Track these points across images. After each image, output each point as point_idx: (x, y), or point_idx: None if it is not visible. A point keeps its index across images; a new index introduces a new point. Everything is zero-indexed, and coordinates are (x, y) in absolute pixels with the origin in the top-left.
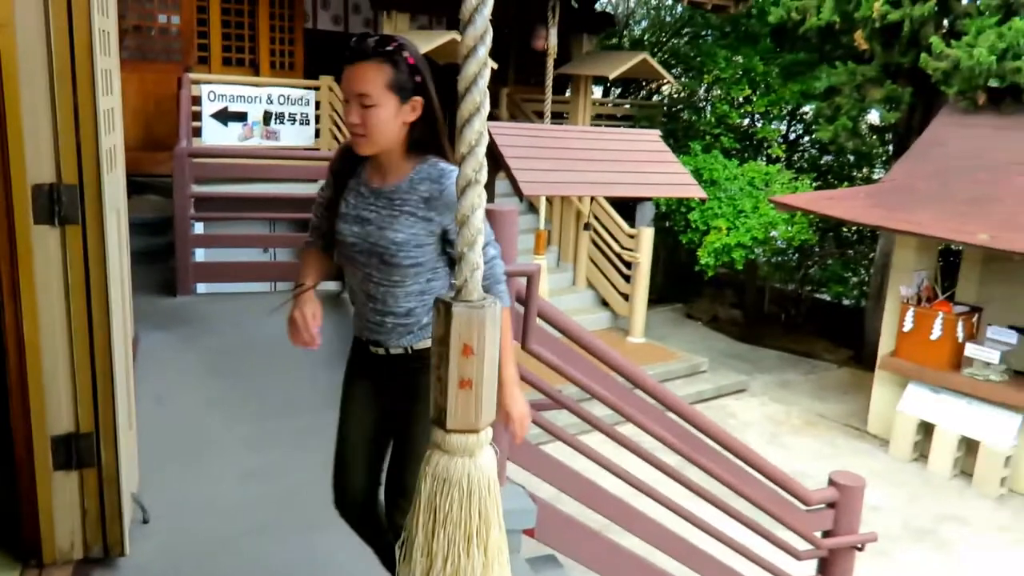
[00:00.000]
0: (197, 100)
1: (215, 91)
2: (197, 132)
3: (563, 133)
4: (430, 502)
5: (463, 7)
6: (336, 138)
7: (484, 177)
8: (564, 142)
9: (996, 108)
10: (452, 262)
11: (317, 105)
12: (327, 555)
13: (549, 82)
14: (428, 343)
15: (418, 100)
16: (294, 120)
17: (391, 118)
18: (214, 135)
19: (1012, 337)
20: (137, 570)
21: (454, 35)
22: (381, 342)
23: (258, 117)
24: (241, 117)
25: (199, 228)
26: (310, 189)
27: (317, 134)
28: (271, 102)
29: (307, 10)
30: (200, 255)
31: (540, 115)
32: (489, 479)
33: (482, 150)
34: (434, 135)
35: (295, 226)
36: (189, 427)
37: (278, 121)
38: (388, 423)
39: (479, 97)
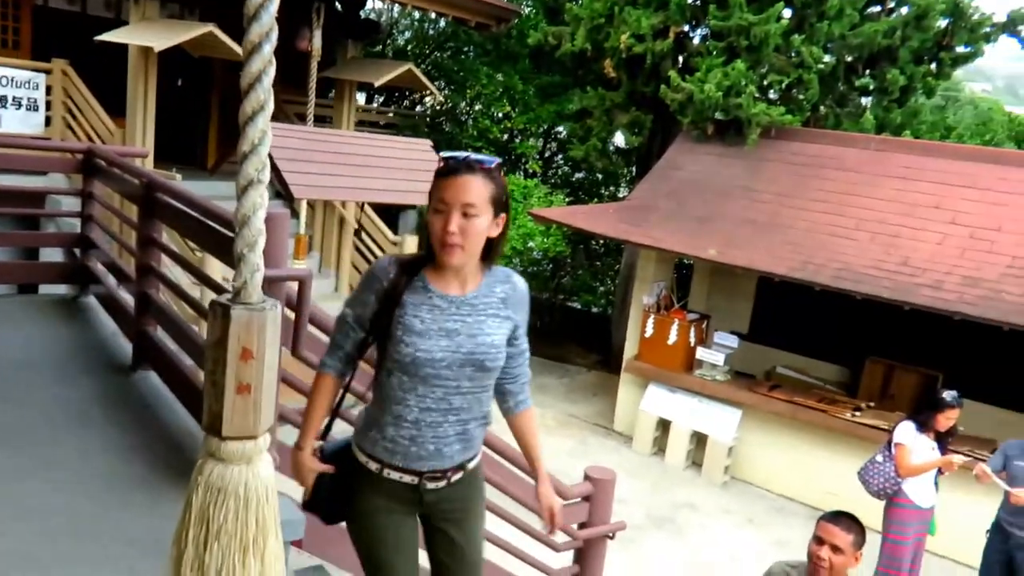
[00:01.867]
0: None
1: None
2: None
3: (334, 137)
4: (203, 513)
5: (248, 2)
6: (71, 127)
7: (267, 177)
8: (335, 147)
9: (722, 138)
10: (516, 358)
11: (48, 90)
12: None
13: (313, 84)
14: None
15: (503, 217)
16: (19, 105)
17: (485, 230)
18: None
19: (734, 341)
20: None
21: (211, 27)
22: (444, 468)
23: None
24: None
25: None
26: (38, 182)
27: (48, 122)
28: None
29: None
30: None
31: (302, 118)
32: (267, 487)
33: (265, 149)
34: (497, 247)
35: (17, 222)
36: None
37: (0, 105)
38: (442, 553)
39: (263, 95)
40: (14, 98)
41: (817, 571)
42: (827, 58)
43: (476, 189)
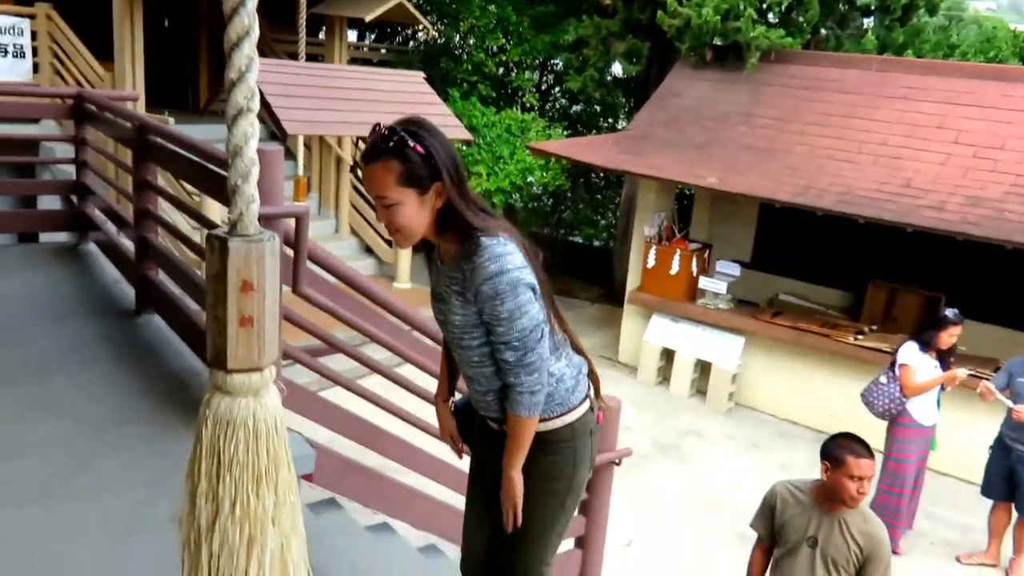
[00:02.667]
0: None
1: None
2: None
3: (326, 72)
4: (213, 446)
5: None
6: (59, 73)
7: (256, 106)
8: (327, 81)
9: (721, 64)
10: (497, 354)
11: (34, 36)
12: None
13: (302, 21)
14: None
15: (439, 186)
16: (5, 52)
17: (415, 212)
18: None
19: (736, 270)
20: None
21: None
22: (493, 418)
23: None
24: None
25: None
26: (28, 129)
27: (36, 68)
28: None
29: None
30: None
31: (294, 56)
32: (276, 418)
33: (253, 76)
34: (459, 217)
35: (12, 171)
36: None
37: None
38: (495, 497)
39: (247, 20)
40: (0, 45)
41: (858, 503)
42: None
43: (379, 177)
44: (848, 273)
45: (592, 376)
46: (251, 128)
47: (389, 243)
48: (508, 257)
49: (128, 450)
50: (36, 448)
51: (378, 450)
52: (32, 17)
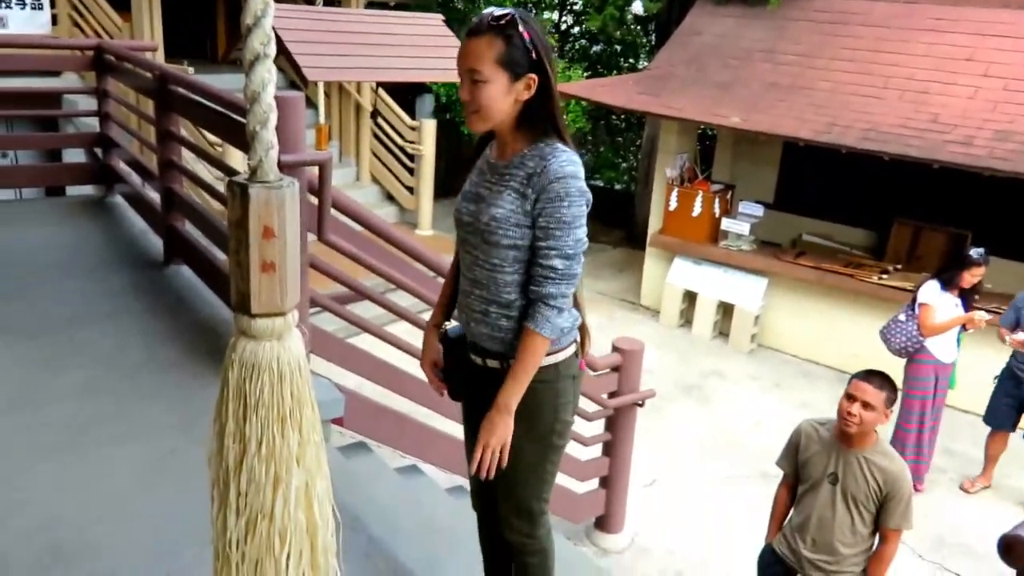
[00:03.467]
0: None
1: None
2: None
3: (345, 17)
4: (239, 388)
5: None
6: (77, 24)
7: (272, 51)
8: (346, 26)
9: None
10: (532, 260)
11: None
12: (98, 476)
13: None
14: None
15: (533, 78)
16: (24, 4)
17: (501, 95)
18: None
19: (759, 210)
20: None
21: None
22: (480, 344)
23: None
24: None
25: None
26: (49, 82)
27: (54, 21)
28: None
29: None
30: None
31: (310, 1)
32: (299, 360)
33: (269, 22)
34: (548, 115)
35: (35, 125)
36: None
37: (4, 5)
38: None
39: None
40: None
41: (848, 426)
42: None
43: (478, 52)
44: (873, 212)
45: (582, 330)
46: (268, 74)
47: (410, 190)
48: (580, 167)
49: (159, 396)
50: (69, 395)
51: (405, 394)
52: None
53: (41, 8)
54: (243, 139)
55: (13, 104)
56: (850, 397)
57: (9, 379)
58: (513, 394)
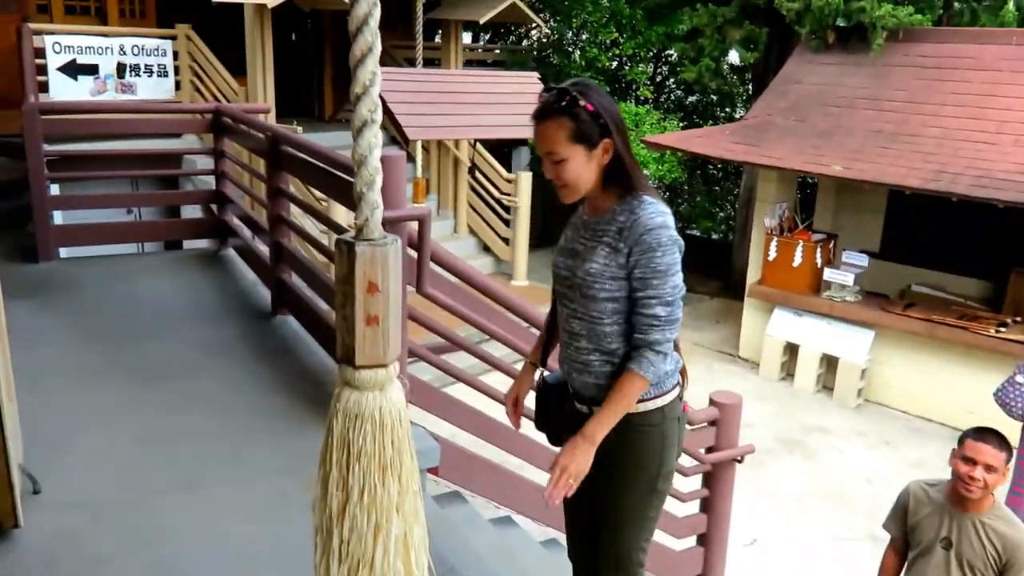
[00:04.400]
0: (41, 53)
1: (60, 42)
2: (43, 87)
3: (444, 77)
4: (343, 438)
5: None
6: (198, 90)
7: (379, 117)
8: (446, 86)
9: (844, 46)
10: (634, 310)
11: (175, 56)
12: (215, 513)
13: (419, 27)
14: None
15: (608, 142)
16: (151, 72)
17: (583, 167)
18: (63, 90)
19: (864, 260)
20: (33, 539)
21: None
22: (584, 393)
23: (111, 69)
24: (92, 70)
25: (55, 190)
26: (173, 144)
27: (177, 86)
28: (124, 53)
29: None
30: (59, 218)
31: (411, 62)
32: (400, 411)
33: (376, 90)
34: (622, 171)
35: (159, 183)
36: (68, 395)
37: (133, 73)
38: (586, 484)
39: (370, 37)
40: (146, 66)
41: (970, 492)
42: None
43: (550, 135)
44: (987, 261)
45: (683, 373)
46: (375, 139)
47: (506, 241)
48: (669, 216)
49: (270, 442)
50: (192, 437)
51: (498, 444)
52: (173, 38)
53: (166, 75)
54: (348, 196)
55: (140, 164)
56: (968, 460)
57: (137, 419)
58: (601, 427)
